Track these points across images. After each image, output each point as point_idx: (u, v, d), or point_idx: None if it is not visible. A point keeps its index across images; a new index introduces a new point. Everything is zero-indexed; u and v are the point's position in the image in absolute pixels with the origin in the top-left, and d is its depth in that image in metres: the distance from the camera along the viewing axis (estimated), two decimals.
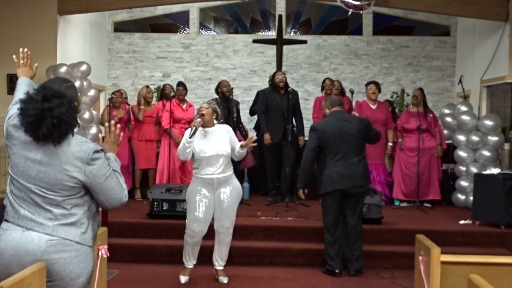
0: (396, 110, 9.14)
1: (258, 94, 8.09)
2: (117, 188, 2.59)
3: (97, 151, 2.53)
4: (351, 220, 5.28)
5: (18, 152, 2.51)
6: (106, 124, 2.83)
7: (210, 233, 4.98)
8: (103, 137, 2.81)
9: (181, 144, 4.76)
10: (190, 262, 5.01)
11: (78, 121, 2.63)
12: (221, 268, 5.08)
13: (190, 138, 4.66)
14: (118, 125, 2.82)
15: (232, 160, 7.16)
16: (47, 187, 2.48)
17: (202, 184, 4.79)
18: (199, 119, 4.77)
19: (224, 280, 5.03)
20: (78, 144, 2.50)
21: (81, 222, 2.53)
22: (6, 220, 2.53)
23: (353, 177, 5.16)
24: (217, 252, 5.03)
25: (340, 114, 5.31)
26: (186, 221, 4.92)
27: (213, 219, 4.92)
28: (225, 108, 7.41)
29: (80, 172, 2.49)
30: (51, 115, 2.40)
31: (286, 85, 7.53)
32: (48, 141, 2.45)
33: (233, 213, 4.95)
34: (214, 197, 4.84)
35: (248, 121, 10.41)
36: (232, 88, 7.50)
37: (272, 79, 7.69)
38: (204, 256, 5.18)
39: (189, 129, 4.80)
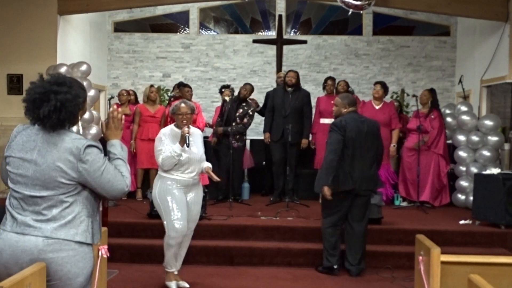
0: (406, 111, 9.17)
1: (267, 95, 8.09)
2: (115, 180, 2.56)
3: (89, 147, 2.52)
4: (359, 224, 5.28)
5: (16, 155, 2.54)
6: (111, 109, 2.82)
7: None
8: (107, 123, 2.76)
9: (170, 155, 4.50)
10: (173, 266, 4.75)
11: (79, 118, 2.62)
12: (177, 272, 4.83)
13: (187, 147, 4.51)
14: (120, 109, 2.82)
15: (232, 162, 7.20)
16: (43, 185, 2.48)
17: (176, 184, 4.60)
18: (187, 128, 4.56)
19: (185, 284, 4.79)
20: (71, 141, 2.51)
21: (80, 220, 2.53)
22: (4, 230, 2.53)
23: (367, 178, 5.17)
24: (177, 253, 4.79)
25: (357, 115, 5.30)
26: (164, 224, 4.65)
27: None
28: (233, 107, 7.43)
29: (72, 168, 2.49)
30: (55, 97, 2.45)
31: (295, 85, 7.48)
32: (45, 123, 2.47)
33: (199, 215, 4.87)
34: (186, 197, 4.69)
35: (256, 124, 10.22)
36: (233, 89, 7.54)
37: (284, 77, 7.69)
38: (201, 255, 5.18)
39: (162, 136, 4.62)
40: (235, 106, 7.44)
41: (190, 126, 4.67)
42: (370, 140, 5.21)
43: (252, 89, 7.64)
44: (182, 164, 4.60)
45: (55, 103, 2.44)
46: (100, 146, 2.61)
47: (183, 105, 4.68)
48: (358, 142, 5.13)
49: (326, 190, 5.05)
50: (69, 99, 2.47)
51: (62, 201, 2.50)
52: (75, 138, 2.53)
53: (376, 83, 7.76)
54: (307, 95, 7.66)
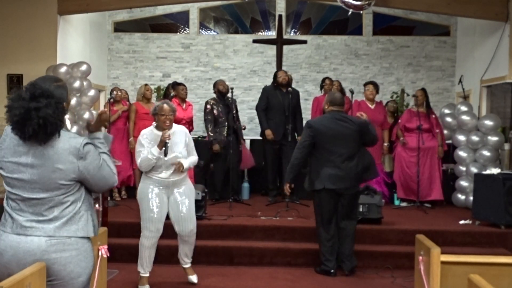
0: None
1: (263, 90, 8.03)
2: (108, 177, 2.62)
3: (87, 144, 2.53)
4: (344, 221, 5.29)
5: (9, 160, 2.50)
6: (100, 111, 2.86)
7: (172, 232, 4.87)
8: (96, 122, 2.79)
9: (148, 158, 4.54)
10: (146, 269, 4.78)
11: (65, 121, 2.61)
12: (189, 265, 4.95)
13: (165, 156, 4.48)
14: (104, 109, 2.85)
15: (231, 161, 7.18)
16: (43, 188, 2.48)
17: (155, 183, 4.65)
18: (167, 133, 4.53)
19: (194, 279, 4.91)
20: (67, 141, 2.50)
21: (80, 215, 2.55)
22: (4, 232, 2.51)
23: (344, 178, 5.14)
24: (182, 251, 4.90)
25: (338, 114, 5.26)
26: (140, 222, 4.76)
27: (167, 219, 4.79)
28: (224, 105, 7.41)
29: (74, 168, 2.49)
30: (37, 115, 2.39)
31: (288, 84, 7.53)
32: (34, 140, 2.44)
33: (194, 213, 4.81)
34: (170, 198, 4.72)
35: (248, 121, 10.44)
36: (232, 88, 7.45)
37: (274, 77, 7.68)
38: (201, 255, 5.20)
39: (142, 138, 4.63)
40: (225, 105, 7.39)
41: (174, 124, 4.67)
42: (348, 141, 5.17)
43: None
44: (159, 165, 4.60)
45: (38, 121, 2.38)
46: (93, 129, 2.64)
47: (165, 106, 4.61)
48: (333, 143, 5.13)
49: (287, 188, 5.41)
50: (51, 113, 2.40)
51: (62, 201, 2.51)
52: (71, 137, 2.52)
53: (367, 83, 7.77)
54: (298, 93, 7.76)
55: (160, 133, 4.59)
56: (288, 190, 5.43)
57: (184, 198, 4.75)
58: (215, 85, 7.68)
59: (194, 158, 4.83)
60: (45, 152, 2.46)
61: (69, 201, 2.52)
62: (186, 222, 4.76)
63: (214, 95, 7.69)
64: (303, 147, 5.23)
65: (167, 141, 4.49)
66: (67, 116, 6.94)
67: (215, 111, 7.42)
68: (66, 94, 2.60)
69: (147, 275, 4.79)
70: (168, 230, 5.77)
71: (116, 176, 2.67)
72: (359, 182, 5.34)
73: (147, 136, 4.66)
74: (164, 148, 4.50)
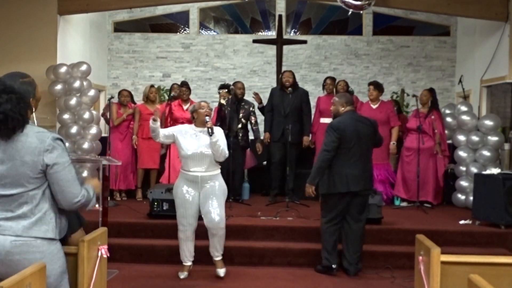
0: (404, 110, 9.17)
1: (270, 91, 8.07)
2: (73, 183, 2.54)
3: (55, 139, 2.52)
4: (356, 224, 5.27)
5: None
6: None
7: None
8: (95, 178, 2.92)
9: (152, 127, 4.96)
10: (187, 259, 5.13)
11: (30, 117, 2.58)
12: (219, 258, 5.12)
13: (210, 135, 4.84)
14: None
15: (234, 162, 7.18)
16: (13, 183, 2.46)
17: (187, 181, 4.95)
18: (208, 118, 4.90)
19: (221, 272, 5.08)
20: (35, 135, 2.50)
21: (50, 216, 2.54)
22: None
23: (364, 179, 5.18)
24: (212, 245, 5.06)
25: (355, 114, 5.34)
26: (176, 217, 5.08)
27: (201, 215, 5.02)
28: (233, 111, 7.38)
29: (39, 161, 2.47)
30: None
31: (293, 85, 7.48)
32: None
33: (221, 208, 4.96)
34: (200, 193, 4.94)
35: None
36: (232, 88, 7.44)
37: (280, 78, 7.72)
38: (202, 255, 5.21)
39: (178, 127, 5.15)
40: (234, 107, 7.38)
41: (213, 126, 4.97)
42: (367, 140, 5.22)
43: (244, 85, 7.61)
44: (185, 159, 4.92)
45: None
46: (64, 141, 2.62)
47: (203, 103, 5.10)
48: (355, 143, 5.13)
49: (310, 188, 5.22)
50: (10, 108, 2.42)
51: (33, 197, 2.49)
52: (38, 132, 2.52)
53: (369, 84, 7.79)
54: (305, 93, 7.70)
55: (198, 128, 5.00)
56: (313, 194, 5.26)
57: (213, 193, 4.93)
58: (232, 87, 7.63)
59: (225, 148, 4.99)
60: (13, 146, 2.46)
61: (38, 198, 2.50)
62: (213, 215, 4.89)
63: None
64: (332, 150, 5.09)
65: (211, 126, 4.87)
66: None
67: (223, 112, 7.44)
68: (34, 90, 2.61)
69: (188, 264, 5.14)
70: (168, 230, 5.80)
71: (83, 192, 2.59)
72: (372, 183, 5.38)
73: (184, 128, 5.04)
74: (209, 133, 4.86)
